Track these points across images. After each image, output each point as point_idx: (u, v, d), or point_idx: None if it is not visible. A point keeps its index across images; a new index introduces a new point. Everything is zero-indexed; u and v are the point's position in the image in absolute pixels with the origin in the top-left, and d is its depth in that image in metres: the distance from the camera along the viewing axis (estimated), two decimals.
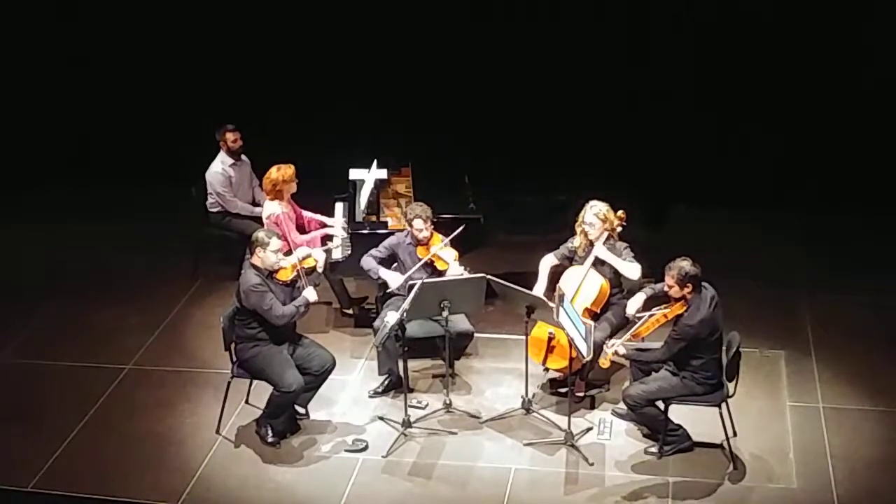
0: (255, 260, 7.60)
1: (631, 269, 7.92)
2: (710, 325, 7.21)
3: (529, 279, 8.03)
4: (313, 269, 7.92)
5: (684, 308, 7.27)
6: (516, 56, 10.94)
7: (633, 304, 7.65)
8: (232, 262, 9.25)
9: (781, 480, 7.36)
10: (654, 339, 7.63)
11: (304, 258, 7.88)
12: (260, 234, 7.62)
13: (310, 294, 7.64)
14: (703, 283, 7.29)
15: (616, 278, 8.04)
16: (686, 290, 7.24)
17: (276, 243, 7.57)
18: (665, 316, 7.38)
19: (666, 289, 7.33)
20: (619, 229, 8.10)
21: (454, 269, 8.13)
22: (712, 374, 7.32)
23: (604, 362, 7.46)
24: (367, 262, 8.35)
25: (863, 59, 10.55)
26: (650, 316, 7.46)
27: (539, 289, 7.96)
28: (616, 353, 7.43)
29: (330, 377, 7.82)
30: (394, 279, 8.24)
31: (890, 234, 10.30)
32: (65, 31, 11.61)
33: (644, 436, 7.74)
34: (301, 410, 7.92)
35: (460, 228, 8.19)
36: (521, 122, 10.95)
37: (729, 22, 10.68)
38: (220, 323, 7.74)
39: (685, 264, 7.22)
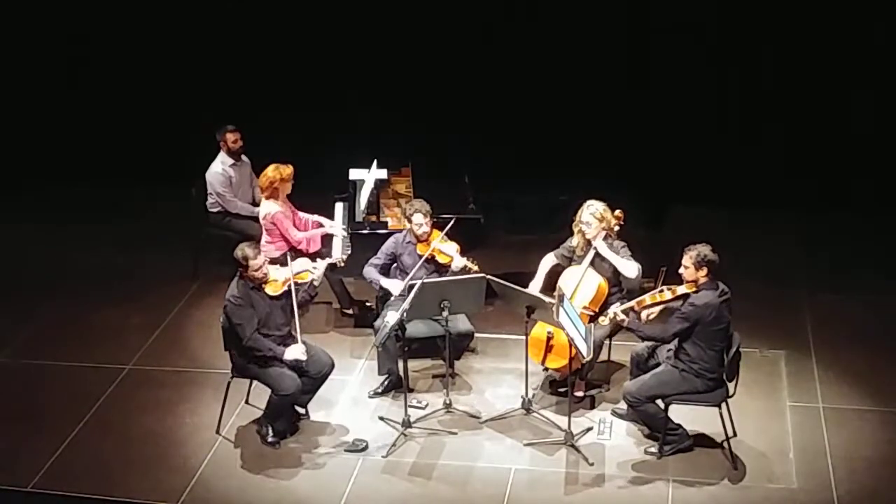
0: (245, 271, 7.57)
1: (629, 268, 7.93)
2: (715, 311, 7.22)
3: (529, 279, 8.04)
4: (309, 283, 7.84)
5: (693, 290, 7.31)
6: (516, 56, 10.93)
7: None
8: (232, 263, 9.22)
9: (781, 480, 7.36)
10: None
11: (298, 273, 7.77)
12: (238, 254, 7.51)
13: (290, 353, 7.49)
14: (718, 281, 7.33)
15: (615, 277, 8.04)
16: (700, 273, 7.28)
17: (256, 263, 7.47)
18: (672, 291, 7.40)
19: (681, 270, 7.36)
20: (616, 229, 8.11)
21: (458, 262, 8.14)
22: (711, 367, 7.32)
23: (602, 320, 7.53)
24: (368, 272, 8.35)
25: (864, 58, 10.54)
26: (658, 291, 7.48)
27: (535, 285, 7.98)
28: (616, 314, 7.47)
29: (330, 377, 7.82)
30: (395, 286, 8.21)
31: (890, 234, 10.30)
32: (65, 30, 11.61)
33: (644, 436, 7.74)
34: (301, 411, 7.91)
35: (453, 220, 8.22)
36: (522, 122, 10.94)
37: (729, 22, 10.67)
38: (220, 323, 7.73)
39: (706, 249, 7.29)
